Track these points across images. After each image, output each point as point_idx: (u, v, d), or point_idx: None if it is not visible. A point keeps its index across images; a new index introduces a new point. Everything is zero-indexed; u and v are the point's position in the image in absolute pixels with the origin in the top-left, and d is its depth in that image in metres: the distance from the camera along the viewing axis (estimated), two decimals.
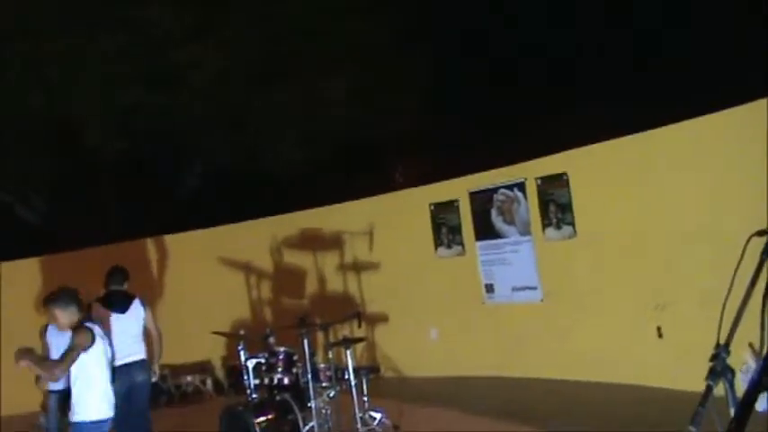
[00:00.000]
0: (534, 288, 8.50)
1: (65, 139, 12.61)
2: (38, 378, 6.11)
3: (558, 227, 8.19)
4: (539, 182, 8.35)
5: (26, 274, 11.00)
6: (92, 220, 13.68)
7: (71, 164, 13.45)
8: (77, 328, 4.85)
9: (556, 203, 8.18)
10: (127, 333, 6.47)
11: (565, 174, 8.10)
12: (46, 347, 7.23)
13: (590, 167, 7.96)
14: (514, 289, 8.73)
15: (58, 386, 6.34)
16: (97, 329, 4.97)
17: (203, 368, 10.38)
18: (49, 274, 10.87)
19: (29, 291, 10.57)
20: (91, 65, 11.67)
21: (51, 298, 5.03)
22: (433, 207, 9.55)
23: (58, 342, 7.16)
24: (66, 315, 4.91)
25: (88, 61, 11.66)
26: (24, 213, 14.08)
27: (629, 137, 7.56)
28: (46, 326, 7.36)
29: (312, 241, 10.27)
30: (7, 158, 12.64)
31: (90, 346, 4.80)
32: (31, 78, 11.77)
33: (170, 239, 11.16)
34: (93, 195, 14.07)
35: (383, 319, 9.73)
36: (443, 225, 9.45)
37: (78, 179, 13.93)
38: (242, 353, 6.70)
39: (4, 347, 8.40)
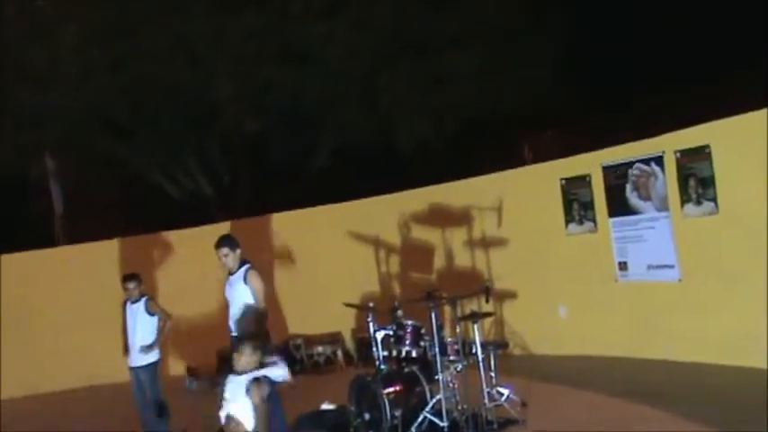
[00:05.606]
0: (672, 266, 8.14)
1: (206, 116, 13.09)
2: None
3: (699, 202, 7.79)
4: (678, 155, 7.95)
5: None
6: (226, 196, 14.26)
7: (209, 140, 14.00)
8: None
9: (696, 178, 7.77)
10: None
11: (707, 146, 7.67)
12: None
13: (735, 139, 7.49)
14: (650, 267, 8.39)
15: None
16: None
17: (334, 339, 10.66)
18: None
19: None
20: (231, 42, 11.98)
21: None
22: (563, 182, 9.32)
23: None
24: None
25: (230, 38, 11.98)
26: (169, 189, 14.79)
27: None
28: (125, 301, 7.59)
29: (440, 216, 10.27)
30: (159, 134, 13.23)
31: None
32: (181, 54, 12.17)
33: (302, 214, 11.48)
34: (228, 172, 14.60)
35: (511, 295, 9.63)
36: (575, 201, 9.21)
37: (214, 156, 14.49)
38: (371, 325, 6.83)
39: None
